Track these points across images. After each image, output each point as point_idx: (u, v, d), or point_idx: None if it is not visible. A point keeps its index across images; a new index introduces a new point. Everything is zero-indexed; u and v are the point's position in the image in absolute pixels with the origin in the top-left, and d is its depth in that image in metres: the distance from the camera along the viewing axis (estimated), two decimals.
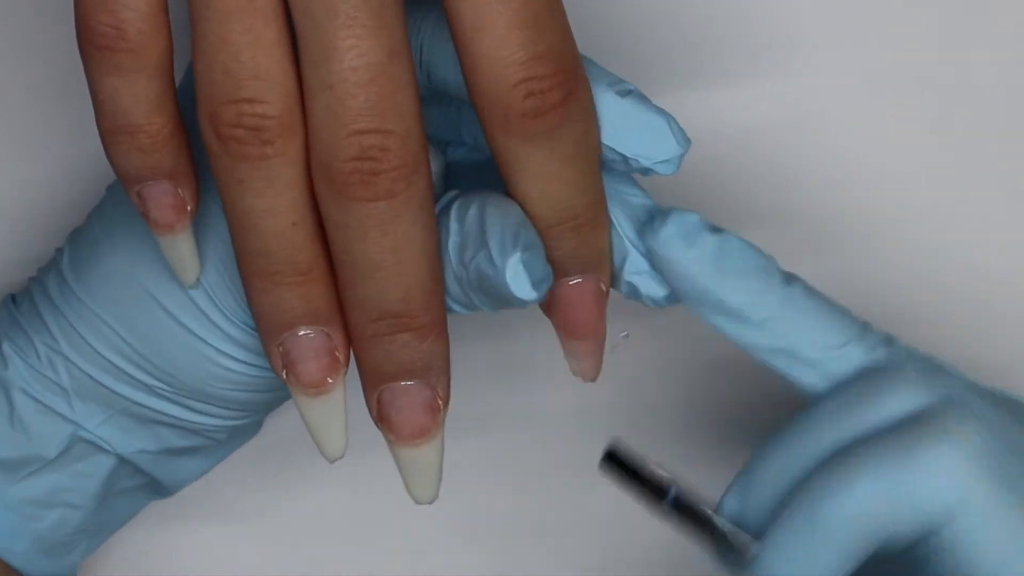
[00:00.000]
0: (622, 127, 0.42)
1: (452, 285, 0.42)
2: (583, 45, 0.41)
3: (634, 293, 0.44)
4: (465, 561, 0.54)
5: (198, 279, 0.44)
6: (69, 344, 0.46)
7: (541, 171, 0.41)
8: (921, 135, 0.52)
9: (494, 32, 0.39)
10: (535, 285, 0.41)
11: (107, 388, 0.46)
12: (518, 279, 0.41)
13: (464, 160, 0.47)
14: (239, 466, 0.51)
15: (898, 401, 0.42)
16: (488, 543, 0.54)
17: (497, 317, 0.49)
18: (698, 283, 0.43)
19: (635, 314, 0.45)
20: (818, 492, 0.40)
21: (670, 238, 0.43)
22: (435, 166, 0.46)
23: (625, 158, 0.42)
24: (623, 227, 0.43)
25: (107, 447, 0.46)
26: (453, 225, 0.42)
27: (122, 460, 0.47)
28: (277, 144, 0.39)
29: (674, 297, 0.43)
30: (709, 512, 0.42)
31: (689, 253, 0.42)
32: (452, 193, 0.43)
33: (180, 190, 0.42)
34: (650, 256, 0.43)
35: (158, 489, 0.49)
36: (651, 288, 0.43)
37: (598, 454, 0.43)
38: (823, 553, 0.40)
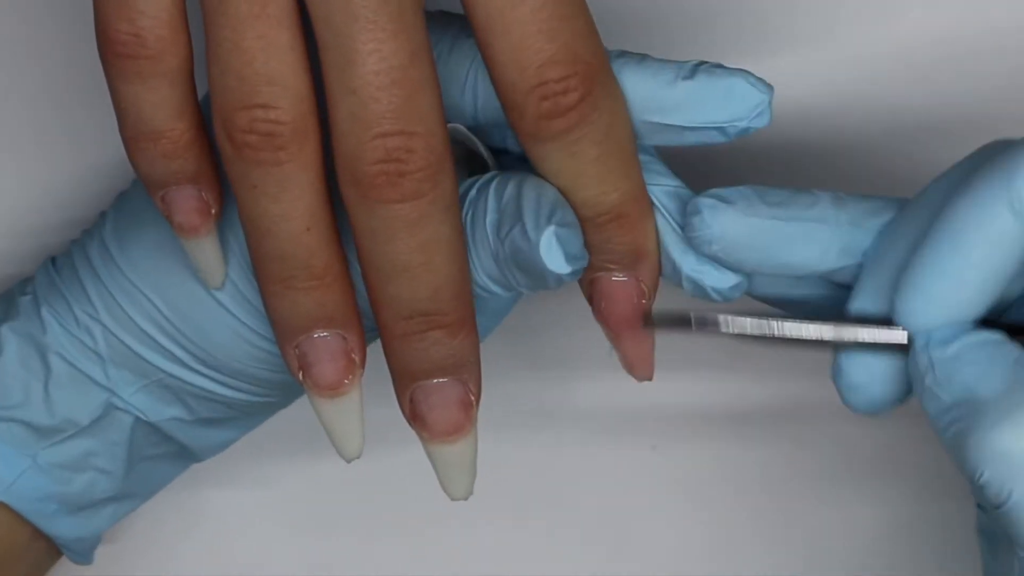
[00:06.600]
0: (703, 103, 0.42)
1: (490, 264, 0.42)
2: (609, 29, 0.41)
3: (698, 289, 0.43)
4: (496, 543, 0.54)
5: (223, 282, 0.44)
6: (108, 313, 0.46)
7: (563, 171, 0.41)
8: (952, 111, 0.51)
9: (507, 38, 0.39)
10: (569, 259, 0.41)
11: (142, 358, 0.46)
12: (552, 252, 0.41)
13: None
14: (267, 432, 0.51)
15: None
16: (520, 533, 0.54)
17: (523, 312, 0.48)
18: (761, 229, 0.42)
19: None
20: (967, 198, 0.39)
21: (714, 216, 0.42)
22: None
23: (721, 128, 0.42)
24: (675, 223, 0.43)
25: (140, 415, 0.47)
26: (491, 203, 0.42)
27: (152, 427, 0.47)
28: (290, 149, 0.40)
29: (738, 286, 0.43)
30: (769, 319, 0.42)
31: (733, 211, 0.42)
32: (492, 172, 0.43)
33: (204, 194, 0.43)
34: (704, 244, 0.42)
35: (189, 455, 0.49)
36: (715, 279, 0.43)
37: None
38: (977, 263, 0.39)
